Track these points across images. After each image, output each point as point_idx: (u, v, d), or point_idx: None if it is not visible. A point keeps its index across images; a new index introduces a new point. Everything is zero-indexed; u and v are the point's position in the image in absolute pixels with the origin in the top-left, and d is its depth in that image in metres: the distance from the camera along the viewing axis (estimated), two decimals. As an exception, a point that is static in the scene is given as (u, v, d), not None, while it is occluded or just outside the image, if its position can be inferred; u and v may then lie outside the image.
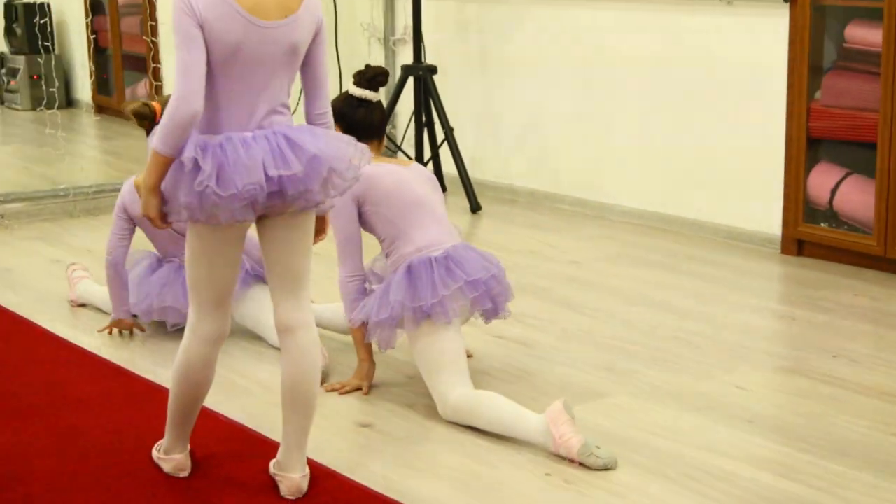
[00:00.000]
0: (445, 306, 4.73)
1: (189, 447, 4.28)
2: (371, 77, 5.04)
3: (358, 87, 5.00)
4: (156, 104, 5.34)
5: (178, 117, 3.71)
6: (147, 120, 5.34)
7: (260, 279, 5.69)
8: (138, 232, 5.61)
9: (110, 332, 5.72)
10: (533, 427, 4.41)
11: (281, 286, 4.12)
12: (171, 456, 4.28)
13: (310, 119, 4.07)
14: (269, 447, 4.42)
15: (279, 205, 3.92)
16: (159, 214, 3.86)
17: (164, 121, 3.76)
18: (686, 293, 6.19)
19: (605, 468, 4.21)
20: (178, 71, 3.75)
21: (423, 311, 4.72)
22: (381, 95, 5.16)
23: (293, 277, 4.13)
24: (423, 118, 8.22)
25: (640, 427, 4.60)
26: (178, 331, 5.70)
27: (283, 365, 4.08)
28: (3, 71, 11.30)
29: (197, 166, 3.75)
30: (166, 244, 5.72)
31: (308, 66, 4.05)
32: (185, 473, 4.26)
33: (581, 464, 4.22)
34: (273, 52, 3.88)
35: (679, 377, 5.09)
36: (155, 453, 4.36)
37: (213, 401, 4.67)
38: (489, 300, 4.87)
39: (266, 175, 3.81)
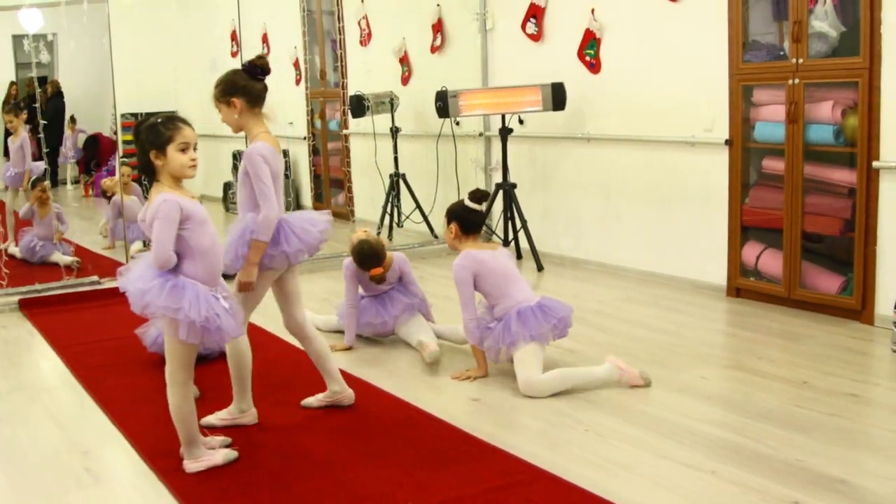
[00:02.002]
0: (546, 335, 4.85)
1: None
2: (480, 196, 5.14)
3: (471, 201, 5.10)
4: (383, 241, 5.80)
5: (271, 220, 4.11)
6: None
7: (416, 312, 5.72)
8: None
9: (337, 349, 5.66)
10: (601, 372, 4.74)
11: (290, 303, 4.48)
12: (248, 411, 4.45)
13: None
14: (410, 409, 4.45)
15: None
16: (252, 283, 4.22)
17: (263, 224, 4.11)
18: (669, 320, 6.15)
19: (648, 384, 4.66)
20: (266, 195, 4.12)
21: (532, 337, 4.79)
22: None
23: (296, 299, 4.50)
24: (509, 214, 8.24)
25: (643, 401, 4.63)
26: (366, 338, 5.78)
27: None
28: (261, 189, 11.43)
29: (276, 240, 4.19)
30: (373, 289, 5.79)
31: None
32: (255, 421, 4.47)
33: (642, 381, 4.71)
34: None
35: (665, 371, 5.08)
36: (224, 417, 4.45)
37: (381, 383, 4.72)
38: (565, 330, 4.97)
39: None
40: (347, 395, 4.64)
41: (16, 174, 8.52)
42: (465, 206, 5.13)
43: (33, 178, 8.38)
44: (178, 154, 3.74)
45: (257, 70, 4.25)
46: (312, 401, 4.65)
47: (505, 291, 4.98)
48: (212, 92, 4.29)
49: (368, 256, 5.65)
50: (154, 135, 3.74)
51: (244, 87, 4.22)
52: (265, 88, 4.29)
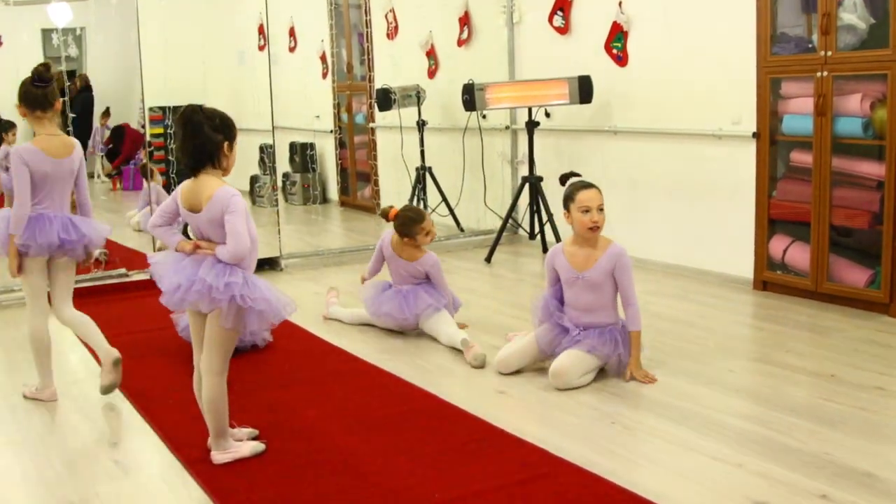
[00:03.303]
0: (613, 365, 4.90)
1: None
2: (569, 175, 5.04)
3: (572, 176, 5.03)
4: (393, 210, 5.83)
5: (19, 217, 4.50)
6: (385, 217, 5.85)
7: (439, 309, 5.71)
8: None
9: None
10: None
11: (55, 295, 4.80)
12: (49, 389, 4.86)
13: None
14: (436, 401, 4.45)
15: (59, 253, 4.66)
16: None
17: (13, 219, 4.50)
18: (696, 313, 6.14)
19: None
20: (17, 192, 4.50)
21: (618, 357, 4.84)
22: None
23: (62, 292, 4.80)
24: (535, 208, 8.24)
25: (669, 393, 4.61)
26: (391, 331, 5.79)
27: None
28: (288, 182, 11.48)
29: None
30: (399, 278, 5.79)
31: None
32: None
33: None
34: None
35: (692, 363, 5.07)
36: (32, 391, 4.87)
37: (408, 376, 4.73)
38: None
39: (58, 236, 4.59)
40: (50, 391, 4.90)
41: None
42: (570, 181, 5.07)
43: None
44: (235, 153, 3.86)
45: (34, 78, 4.63)
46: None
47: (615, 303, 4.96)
48: None
49: (410, 215, 5.81)
50: (231, 128, 3.83)
51: (24, 93, 4.63)
52: (44, 95, 4.62)
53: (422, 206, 9.32)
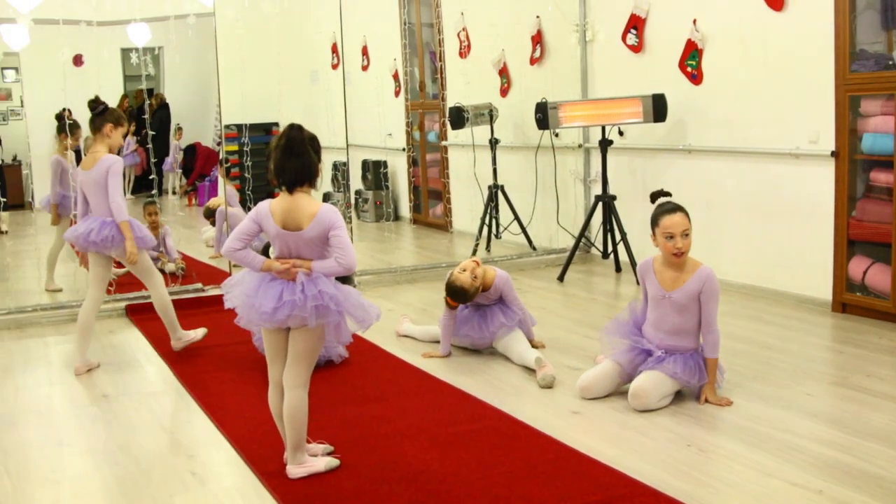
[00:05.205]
0: (693, 387, 4.86)
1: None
2: (659, 194, 4.98)
3: (661, 196, 4.96)
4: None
5: None
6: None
7: (512, 328, 5.70)
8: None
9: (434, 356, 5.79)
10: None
11: None
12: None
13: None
14: (509, 420, 4.45)
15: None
16: None
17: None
18: (774, 335, 6.05)
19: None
20: None
21: (688, 384, 4.82)
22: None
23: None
24: (608, 227, 8.20)
25: (746, 417, 4.56)
26: (464, 349, 5.80)
27: None
28: (360, 199, 11.57)
29: None
30: (480, 298, 5.81)
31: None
32: None
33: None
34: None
35: (769, 387, 5.00)
36: None
37: (481, 394, 4.73)
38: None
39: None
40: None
41: None
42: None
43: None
44: None
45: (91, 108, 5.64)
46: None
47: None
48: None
49: (455, 293, 5.66)
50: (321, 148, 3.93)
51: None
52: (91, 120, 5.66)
53: (493, 224, 9.32)
